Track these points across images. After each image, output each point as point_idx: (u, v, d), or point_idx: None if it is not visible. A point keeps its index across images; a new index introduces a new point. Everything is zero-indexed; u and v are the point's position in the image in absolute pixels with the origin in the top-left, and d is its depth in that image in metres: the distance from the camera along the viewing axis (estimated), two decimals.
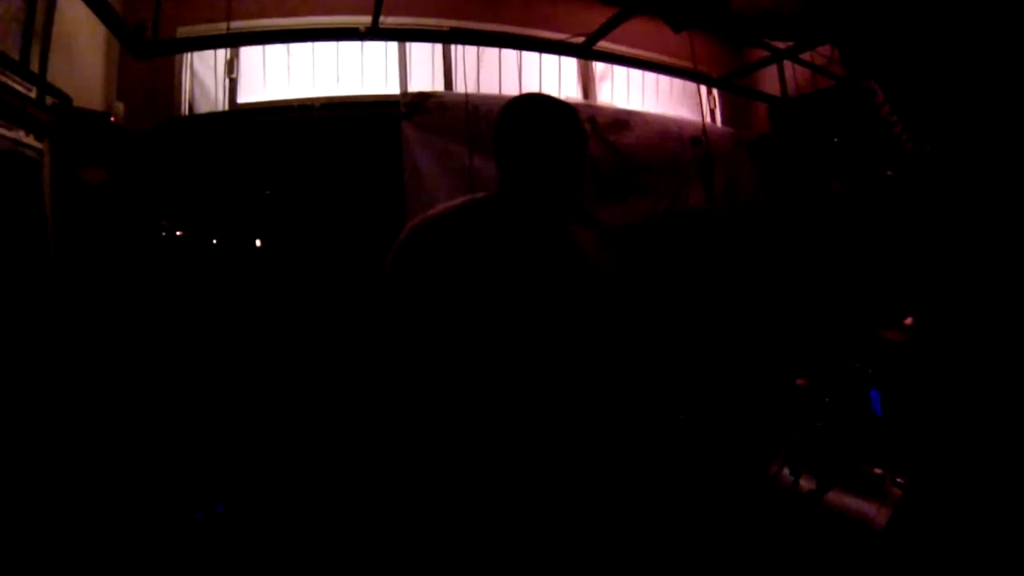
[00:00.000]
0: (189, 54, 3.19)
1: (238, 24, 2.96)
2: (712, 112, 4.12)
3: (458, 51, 3.35)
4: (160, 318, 2.61)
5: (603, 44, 3.13)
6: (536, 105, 1.41)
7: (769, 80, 4.09)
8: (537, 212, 1.43)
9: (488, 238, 1.36)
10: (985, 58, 3.15)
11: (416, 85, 3.35)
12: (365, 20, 2.85)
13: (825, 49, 3.60)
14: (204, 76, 3.25)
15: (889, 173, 3.97)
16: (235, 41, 3.03)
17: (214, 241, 2.84)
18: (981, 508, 2.16)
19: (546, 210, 1.43)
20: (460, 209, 1.40)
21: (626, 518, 2.43)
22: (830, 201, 4.07)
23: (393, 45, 3.35)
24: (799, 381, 2.98)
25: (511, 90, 3.26)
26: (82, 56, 2.70)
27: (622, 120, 3.47)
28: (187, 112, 3.17)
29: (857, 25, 2.95)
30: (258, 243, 2.92)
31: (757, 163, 3.94)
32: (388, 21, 2.80)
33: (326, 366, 2.72)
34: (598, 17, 2.99)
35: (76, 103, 2.47)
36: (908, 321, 3.48)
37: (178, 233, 2.72)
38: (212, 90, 3.23)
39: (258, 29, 3.03)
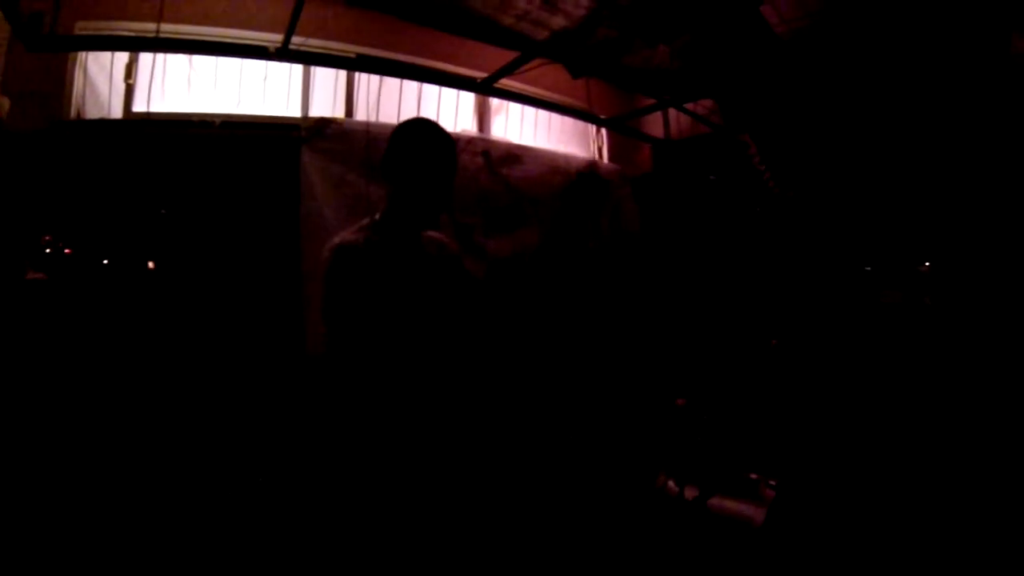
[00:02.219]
0: (84, 52, 2.98)
1: (141, 27, 2.87)
2: (600, 149, 4.40)
3: (361, 78, 3.41)
4: (38, 342, 2.49)
5: (503, 81, 3.29)
6: (421, 131, 1.77)
7: (654, 122, 4.43)
8: (418, 223, 1.79)
9: (385, 251, 1.69)
10: (832, 127, 3.63)
11: (318, 109, 3.39)
12: (276, 38, 2.87)
13: (707, 101, 3.96)
14: (98, 78, 3.07)
15: (758, 211, 4.43)
16: (140, 45, 2.93)
17: (103, 261, 2.71)
18: (843, 501, 2.55)
19: (424, 221, 1.80)
20: (362, 230, 1.73)
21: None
22: (706, 234, 4.49)
23: (298, 67, 3.34)
24: (679, 401, 3.34)
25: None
26: None
27: (514, 154, 3.66)
28: (76, 116, 2.96)
29: (730, 89, 3.31)
30: (150, 265, 2.82)
31: (640, 198, 4.28)
32: (297, 41, 2.83)
33: (213, 391, 2.71)
34: (499, 54, 3.14)
35: None
36: (773, 343, 3.97)
37: (66, 251, 2.59)
38: (106, 95, 3.07)
39: (164, 34, 2.88)
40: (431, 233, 1.91)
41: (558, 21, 2.33)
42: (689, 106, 3.87)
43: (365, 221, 1.77)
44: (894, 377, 3.35)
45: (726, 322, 4.07)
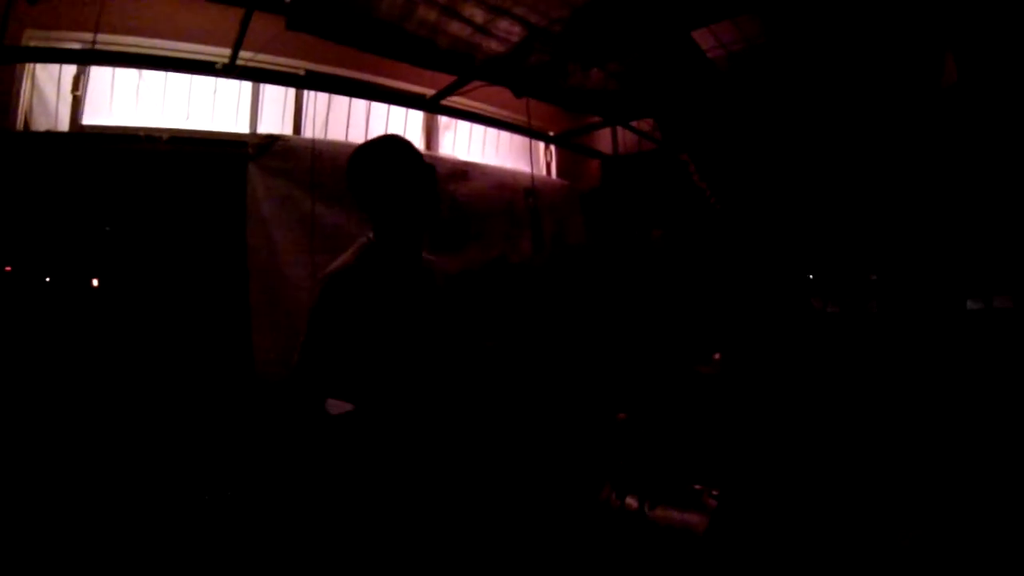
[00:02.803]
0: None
1: (92, 37, 2.83)
2: (548, 165, 4.52)
3: (310, 94, 3.46)
4: None
5: (452, 98, 3.35)
6: (395, 150, 1.73)
7: (603, 138, 4.57)
8: (408, 245, 1.77)
9: (380, 274, 1.67)
10: (768, 146, 3.81)
11: (267, 125, 3.43)
12: (224, 52, 2.87)
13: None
14: (46, 89, 3.05)
15: (699, 225, 4.60)
16: (88, 59, 2.93)
17: (46, 279, 2.68)
18: (782, 509, 2.69)
19: (413, 242, 1.78)
20: (357, 256, 1.70)
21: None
22: (651, 246, 4.63)
23: (247, 82, 3.35)
24: (620, 415, 3.44)
25: (357, 136, 3.46)
26: None
27: (460, 171, 3.73)
28: (24, 127, 2.94)
29: (663, 111, 3.44)
30: (94, 283, 2.79)
31: (587, 212, 4.40)
32: (245, 56, 2.84)
33: (159, 412, 2.71)
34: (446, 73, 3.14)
35: None
36: (716, 356, 4.12)
37: (6, 268, 2.56)
38: (54, 106, 3.05)
39: (115, 46, 2.95)
40: (429, 256, 1.89)
41: (492, 46, 2.43)
42: (635, 123, 4.00)
43: (357, 245, 1.74)
44: (835, 385, 3.54)
45: (669, 335, 4.19)
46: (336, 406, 2.50)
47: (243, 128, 3.40)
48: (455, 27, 2.25)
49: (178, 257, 2.96)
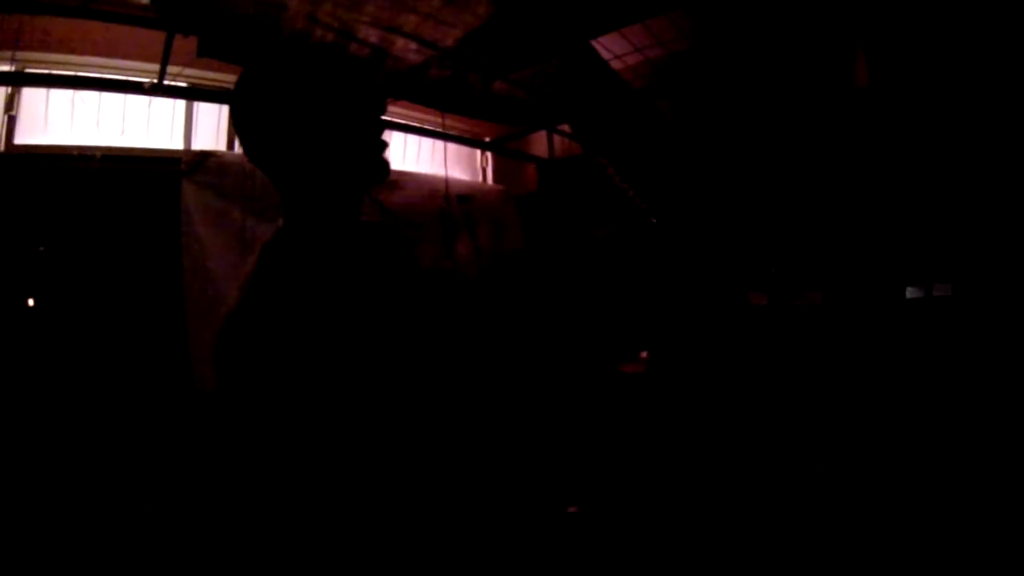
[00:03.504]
0: None
1: (23, 55, 2.92)
2: (485, 171, 4.66)
3: None
4: None
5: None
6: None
7: (540, 142, 4.71)
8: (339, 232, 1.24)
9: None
10: (682, 150, 3.97)
11: (202, 141, 3.49)
12: (154, 68, 2.92)
13: None
14: None
15: (640, 225, 4.76)
16: (14, 80, 2.97)
17: None
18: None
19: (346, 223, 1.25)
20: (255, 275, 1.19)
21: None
22: (591, 248, 4.78)
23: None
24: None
25: None
26: None
27: (391, 179, 3.82)
28: None
29: (571, 118, 3.57)
30: (30, 302, 2.81)
31: (524, 216, 4.54)
32: (174, 70, 2.89)
33: (99, 431, 2.75)
34: None
35: None
36: (644, 354, 4.26)
37: None
38: None
39: (45, 64, 2.99)
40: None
41: (390, 64, 2.56)
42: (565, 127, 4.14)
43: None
44: (766, 378, 3.70)
45: (605, 335, 4.32)
46: None
47: (178, 144, 3.45)
48: (354, 47, 2.38)
49: (114, 275, 2.99)
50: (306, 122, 1.05)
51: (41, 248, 2.90)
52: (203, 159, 3.24)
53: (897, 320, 3.68)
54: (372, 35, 2.34)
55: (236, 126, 1.12)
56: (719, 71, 4.18)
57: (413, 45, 2.41)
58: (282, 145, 1.06)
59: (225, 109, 3.58)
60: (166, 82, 3.05)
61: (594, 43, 3.48)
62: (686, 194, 4.22)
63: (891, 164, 3.90)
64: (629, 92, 3.22)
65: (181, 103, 3.50)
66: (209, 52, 2.40)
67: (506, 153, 4.39)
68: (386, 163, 1.17)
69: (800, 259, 4.61)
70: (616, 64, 3.94)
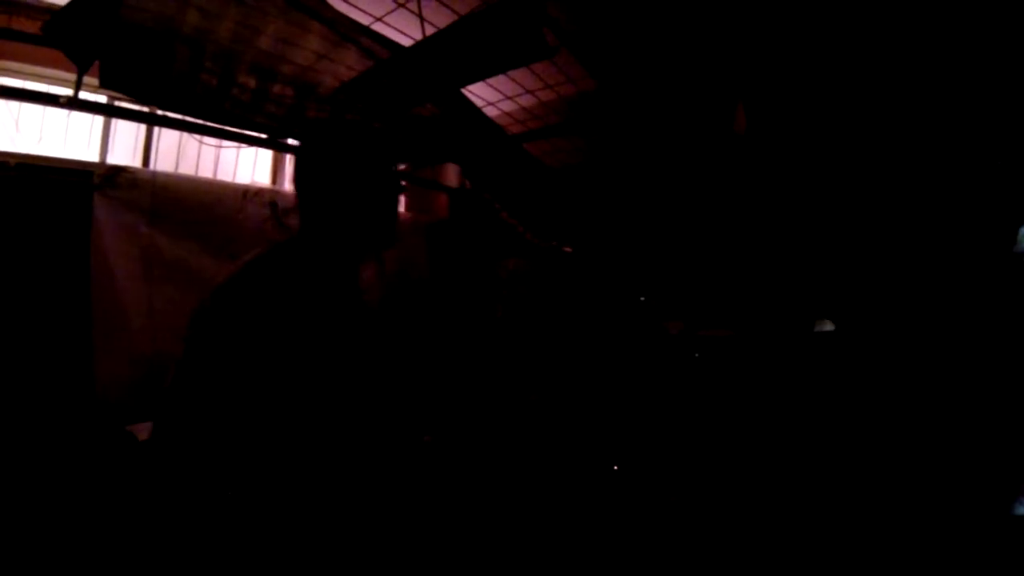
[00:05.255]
0: None
1: None
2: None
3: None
4: None
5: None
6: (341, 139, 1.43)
7: (454, 171, 5.03)
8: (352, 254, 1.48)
9: (306, 285, 1.33)
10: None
11: (118, 155, 3.68)
12: (71, 79, 2.90)
13: None
14: None
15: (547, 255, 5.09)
16: None
17: None
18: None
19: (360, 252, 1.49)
20: (266, 257, 1.34)
21: None
22: (503, 277, 5.08)
23: None
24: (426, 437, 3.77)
25: (206, 173, 3.83)
26: None
27: None
28: None
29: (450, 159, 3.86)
30: None
31: (432, 244, 4.82)
32: (94, 83, 2.94)
33: None
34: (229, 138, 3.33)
35: None
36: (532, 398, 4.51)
37: None
38: None
39: None
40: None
41: (270, 108, 2.85)
42: None
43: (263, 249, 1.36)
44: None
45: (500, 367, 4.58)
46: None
47: (94, 156, 3.63)
48: (235, 92, 2.67)
49: (22, 284, 3.03)
50: (346, 182, 1.38)
51: None
52: (115, 174, 3.31)
53: (792, 352, 4.03)
54: (251, 81, 2.64)
55: (295, 174, 1.43)
56: (620, 113, 4.52)
57: (290, 91, 2.71)
58: (327, 199, 1.39)
59: (143, 127, 3.81)
60: (84, 96, 3.10)
61: (507, 77, 3.83)
62: (574, 230, 4.57)
63: (767, 205, 4.29)
64: (500, 136, 3.54)
65: (99, 116, 3.63)
66: (110, 85, 2.65)
67: (417, 182, 4.68)
68: (396, 232, 1.52)
69: (708, 291, 4.99)
70: (525, 100, 4.30)
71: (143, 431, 2.82)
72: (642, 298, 4.96)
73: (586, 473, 3.62)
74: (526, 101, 4.55)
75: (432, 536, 2.69)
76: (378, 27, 3.53)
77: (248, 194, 3.66)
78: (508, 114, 4.74)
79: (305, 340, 1.25)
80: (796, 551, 2.81)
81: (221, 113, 2.81)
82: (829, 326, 3.95)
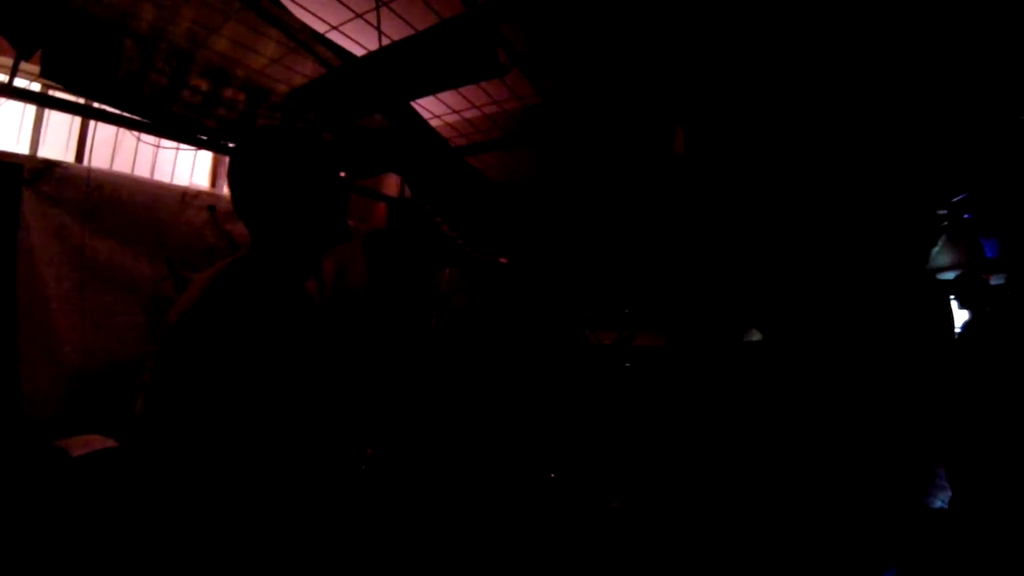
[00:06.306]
0: None
1: None
2: None
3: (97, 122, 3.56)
4: None
5: None
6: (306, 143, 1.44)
7: (394, 180, 5.07)
8: (301, 270, 1.50)
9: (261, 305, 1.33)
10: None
11: (50, 149, 3.52)
12: (5, 63, 2.92)
13: None
14: None
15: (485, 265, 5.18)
16: None
17: None
18: None
19: (309, 266, 1.52)
20: (225, 276, 1.34)
21: None
22: (436, 286, 5.13)
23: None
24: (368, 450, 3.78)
25: (143, 170, 3.74)
26: None
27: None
28: None
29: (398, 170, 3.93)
30: None
31: (369, 253, 4.81)
32: (32, 70, 2.86)
33: None
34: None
35: None
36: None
37: None
38: None
39: None
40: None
41: (220, 112, 2.85)
42: None
43: (219, 267, 1.37)
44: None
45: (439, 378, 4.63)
46: (83, 444, 2.49)
47: (24, 149, 3.46)
48: (186, 94, 2.67)
49: None
50: (287, 189, 1.38)
51: None
52: (46, 168, 3.14)
53: (721, 360, 4.25)
54: (203, 84, 2.64)
55: (231, 183, 1.41)
56: (565, 130, 4.69)
57: (242, 95, 2.73)
58: (266, 205, 1.38)
59: (78, 118, 3.66)
60: (19, 83, 2.97)
61: (455, 92, 3.92)
62: (512, 242, 4.70)
63: (701, 221, 4.55)
64: (445, 149, 3.64)
65: (31, 107, 3.49)
66: (51, 75, 2.58)
67: (357, 191, 4.69)
68: (348, 227, 1.52)
69: (644, 303, 5.19)
70: (470, 113, 4.42)
71: (75, 446, 2.65)
72: (587, 312, 5.12)
73: (523, 481, 3.71)
74: (471, 114, 4.67)
75: (372, 545, 2.73)
76: (333, 35, 3.57)
77: (187, 196, 3.54)
78: (452, 126, 4.85)
79: (276, 361, 1.29)
80: (716, 552, 2.99)
81: (169, 115, 2.76)
82: (757, 336, 4.22)
